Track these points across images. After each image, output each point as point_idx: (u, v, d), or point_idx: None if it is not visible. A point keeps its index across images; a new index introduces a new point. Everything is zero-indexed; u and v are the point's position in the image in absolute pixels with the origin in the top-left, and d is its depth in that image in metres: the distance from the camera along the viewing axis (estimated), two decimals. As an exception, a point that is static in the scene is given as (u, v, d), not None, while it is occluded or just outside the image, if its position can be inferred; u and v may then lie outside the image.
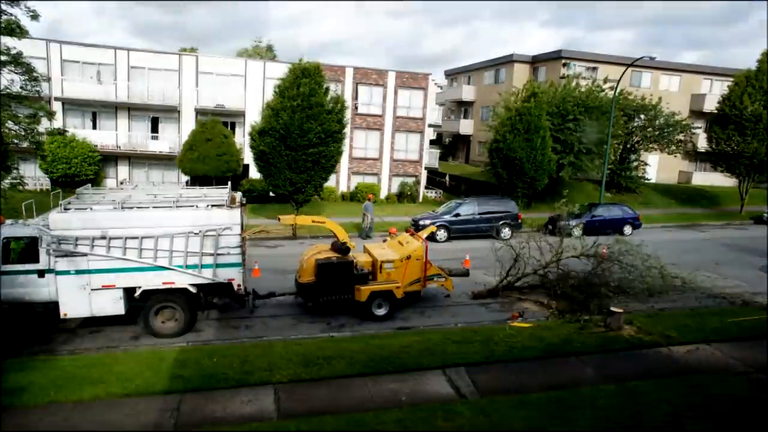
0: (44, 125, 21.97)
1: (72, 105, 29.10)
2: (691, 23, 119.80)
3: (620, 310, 11.90)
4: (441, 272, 13.74)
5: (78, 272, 10.55)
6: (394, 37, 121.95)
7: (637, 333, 11.49)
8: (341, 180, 33.04)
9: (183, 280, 11.11)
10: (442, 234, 22.42)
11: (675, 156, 35.91)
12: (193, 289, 11.27)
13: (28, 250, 10.76)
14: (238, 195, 12.82)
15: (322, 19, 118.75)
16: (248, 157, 26.56)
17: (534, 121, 25.52)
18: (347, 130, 23.10)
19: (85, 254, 10.47)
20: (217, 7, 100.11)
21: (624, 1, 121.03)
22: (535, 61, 40.37)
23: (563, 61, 37.16)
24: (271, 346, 10.60)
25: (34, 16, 17.14)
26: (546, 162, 26.14)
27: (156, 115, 30.44)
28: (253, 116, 26.52)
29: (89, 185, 13.29)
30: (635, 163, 35.01)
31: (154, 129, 30.55)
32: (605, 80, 30.94)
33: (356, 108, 32.32)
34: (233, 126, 31.29)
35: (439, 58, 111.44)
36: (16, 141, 19.00)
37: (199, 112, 30.23)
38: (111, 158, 30.01)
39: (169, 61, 30.03)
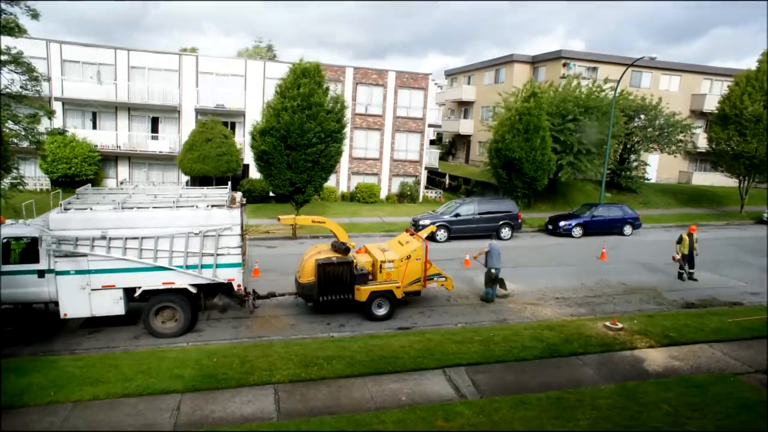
0: (44, 125, 21.97)
1: (72, 105, 29.11)
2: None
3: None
4: (441, 272, 13.72)
5: (78, 272, 10.56)
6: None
7: (637, 333, 11.49)
8: (341, 180, 33.04)
9: (183, 281, 11.12)
10: (442, 234, 22.43)
11: (675, 156, 35.90)
12: (193, 290, 11.29)
13: (28, 250, 10.75)
14: (238, 195, 12.83)
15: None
16: (248, 157, 26.56)
17: (533, 121, 25.45)
18: (347, 130, 23.08)
19: (85, 254, 10.48)
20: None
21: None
22: (535, 61, 40.34)
23: (563, 61, 37.13)
24: (271, 346, 10.61)
25: (34, 15, 17.10)
26: (546, 162, 26.10)
27: (156, 115, 30.46)
28: (253, 116, 26.53)
29: (89, 185, 13.29)
30: (635, 163, 34.99)
31: (154, 129, 30.57)
32: (605, 80, 30.91)
33: (360, 108, 32.33)
34: (233, 126, 31.29)
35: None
36: (16, 141, 18.98)
37: (199, 112, 30.23)
38: (111, 158, 30.03)
39: (169, 61, 30.03)
